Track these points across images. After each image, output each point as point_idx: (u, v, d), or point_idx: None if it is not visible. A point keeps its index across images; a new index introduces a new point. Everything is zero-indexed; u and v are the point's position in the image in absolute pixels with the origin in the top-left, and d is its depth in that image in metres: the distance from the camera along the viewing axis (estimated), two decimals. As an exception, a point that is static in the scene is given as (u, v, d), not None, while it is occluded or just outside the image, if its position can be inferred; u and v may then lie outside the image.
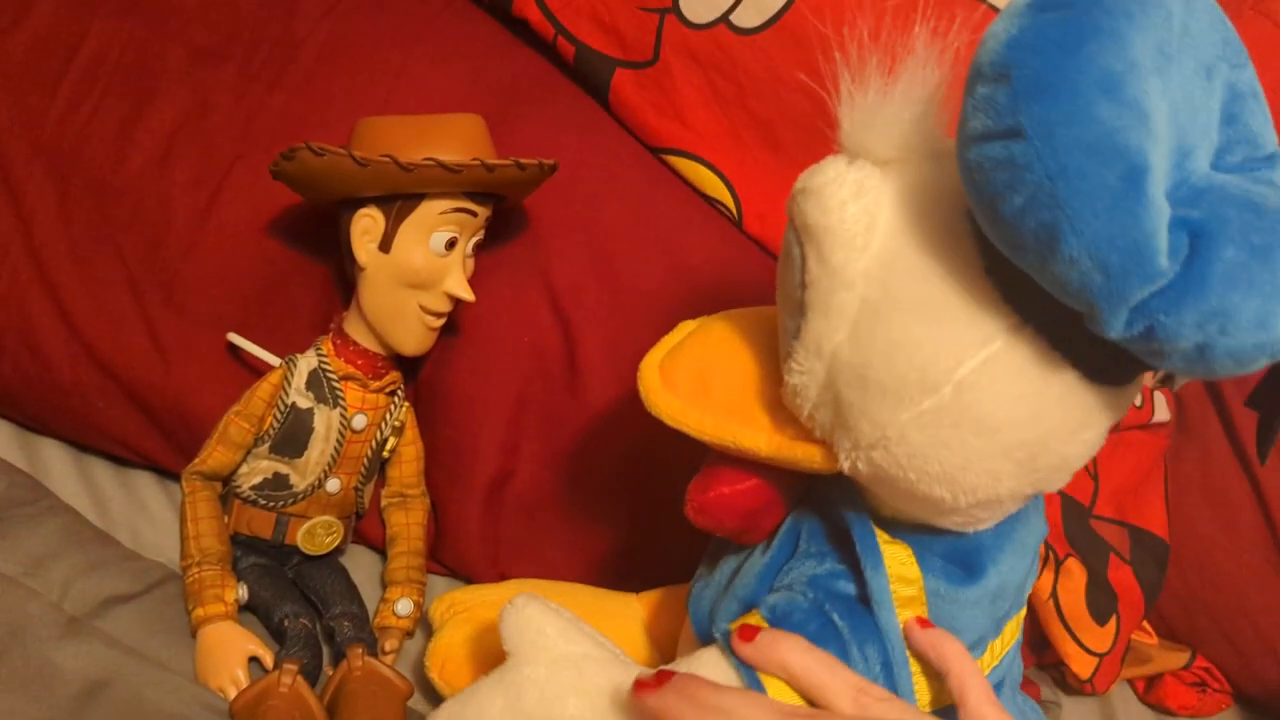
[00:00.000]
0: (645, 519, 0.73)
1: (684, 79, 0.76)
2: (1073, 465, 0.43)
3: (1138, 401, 0.79)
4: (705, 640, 0.51)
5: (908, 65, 0.41)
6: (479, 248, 0.70)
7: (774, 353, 0.49)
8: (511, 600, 0.48)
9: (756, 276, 0.76)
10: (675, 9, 0.75)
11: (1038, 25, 0.33)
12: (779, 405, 0.48)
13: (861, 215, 0.41)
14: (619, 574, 0.72)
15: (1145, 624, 0.83)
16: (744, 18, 0.73)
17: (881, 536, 0.48)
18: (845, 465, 0.45)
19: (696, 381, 0.50)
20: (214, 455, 0.67)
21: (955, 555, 0.48)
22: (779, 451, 0.47)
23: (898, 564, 0.47)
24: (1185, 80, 0.35)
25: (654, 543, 0.73)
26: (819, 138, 0.73)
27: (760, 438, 0.48)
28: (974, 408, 0.39)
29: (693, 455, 0.71)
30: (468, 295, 0.67)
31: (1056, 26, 0.32)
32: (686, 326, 0.54)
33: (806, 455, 0.47)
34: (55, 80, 0.76)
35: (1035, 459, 0.41)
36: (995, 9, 0.68)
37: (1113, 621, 0.77)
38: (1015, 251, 0.36)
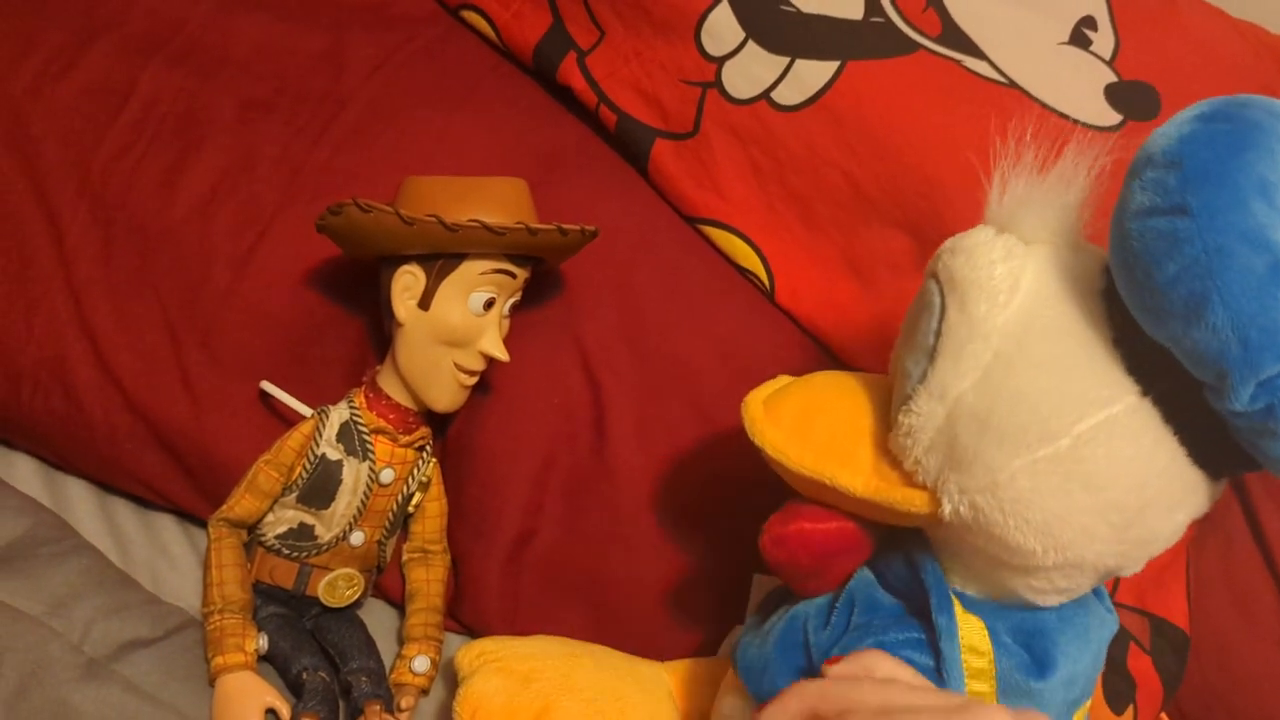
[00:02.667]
0: (667, 588, 0.73)
1: (723, 152, 0.77)
2: (1157, 545, 0.46)
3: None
4: (758, 693, 0.52)
5: (1060, 165, 0.46)
6: (515, 308, 0.71)
7: (875, 404, 0.53)
8: None
9: (786, 347, 0.76)
10: (718, 83, 0.76)
11: (1208, 130, 0.39)
12: (879, 451, 0.51)
13: (1007, 275, 0.45)
14: (638, 642, 0.71)
15: (1163, 715, 0.82)
16: (785, 95, 0.74)
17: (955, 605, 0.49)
18: (947, 509, 0.47)
19: (799, 420, 0.53)
20: (242, 503, 0.67)
21: (1021, 634, 0.50)
22: (876, 494, 0.49)
23: (970, 634, 0.48)
24: None
25: (675, 613, 0.73)
26: (854, 215, 0.75)
27: (858, 479, 0.50)
28: (1087, 462, 0.43)
29: (722, 526, 0.71)
30: (502, 355, 0.68)
31: (1224, 134, 0.38)
32: (786, 377, 0.58)
33: (906, 499, 0.48)
34: (105, 126, 0.78)
35: (1129, 526, 0.44)
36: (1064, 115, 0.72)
37: (1130, 711, 0.76)
38: (1158, 317, 0.40)
